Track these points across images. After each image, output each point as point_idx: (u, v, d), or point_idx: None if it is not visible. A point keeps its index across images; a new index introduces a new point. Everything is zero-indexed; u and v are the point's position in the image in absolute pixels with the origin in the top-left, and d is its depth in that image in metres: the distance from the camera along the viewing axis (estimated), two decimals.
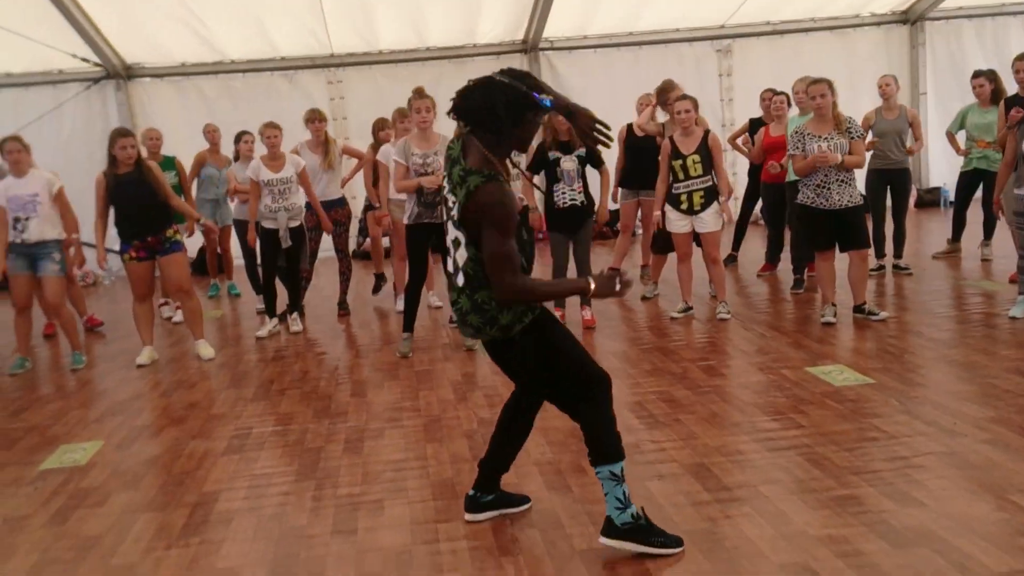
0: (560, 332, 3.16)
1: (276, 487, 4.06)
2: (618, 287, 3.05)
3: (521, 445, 3.53)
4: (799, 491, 3.59)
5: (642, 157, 7.67)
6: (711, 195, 6.47)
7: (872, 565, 2.95)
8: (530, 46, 11.33)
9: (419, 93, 6.11)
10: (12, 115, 10.65)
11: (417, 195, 6.07)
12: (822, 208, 6.09)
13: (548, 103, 2.97)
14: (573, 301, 6.89)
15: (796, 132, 6.17)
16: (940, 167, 11.82)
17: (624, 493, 3.13)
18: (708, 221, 6.49)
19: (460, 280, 3.11)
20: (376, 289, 8.47)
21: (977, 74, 7.78)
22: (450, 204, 3.08)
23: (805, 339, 5.93)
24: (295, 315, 7.41)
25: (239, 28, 10.40)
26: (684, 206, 6.47)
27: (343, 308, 7.86)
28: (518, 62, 11.45)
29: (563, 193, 6.40)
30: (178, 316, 8.05)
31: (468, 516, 3.51)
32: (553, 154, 6.40)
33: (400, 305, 7.64)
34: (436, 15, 10.57)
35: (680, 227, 6.55)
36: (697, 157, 6.37)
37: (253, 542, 3.51)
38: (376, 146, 7.95)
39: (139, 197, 6.35)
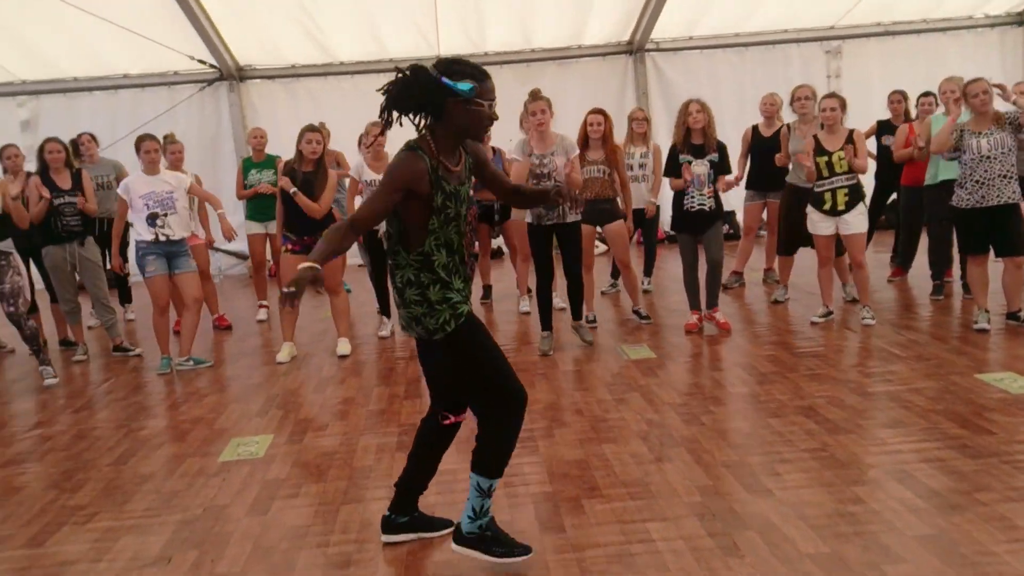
0: (484, 342, 3.11)
1: (461, 483, 4.09)
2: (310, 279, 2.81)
3: (439, 460, 3.49)
4: (1018, 498, 3.51)
5: (768, 158, 7.61)
6: (856, 195, 6.37)
7: None
8: (636, 47, 11.29)
9: (534, 95, 6.19)
10: (129, 116, 10.96)
11: None
12: (978, 207, 5.95)
13: (464, 88, 2.88)
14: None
15: (956, 128, 6.04)
16: None
17: (483, 507, 3.15)
18: (852, 223, 6.39)
19: (391, 272, 3.17)
20: (485, 297, 8.45)
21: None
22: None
23: (964, 345, 5.81)
24: (385, 319, 7.39)
25: (351, 29, 10.56)
26: (827, 206, 6.38)
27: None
28: (623, 64, 11.45)
29: (692, 197, 6.35)
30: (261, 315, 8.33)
31: (384, 537, 3.47)
32: (684, 157, 6.36)
33: (524, 306, 7.68)
34: (545, 15, 10.60)
35: (823, 229, 6.46)
36: (843, 154, 6.27)
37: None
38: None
39: (311, 196, 6.52)
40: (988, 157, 5.89)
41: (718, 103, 10.63)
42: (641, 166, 7.59)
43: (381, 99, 3.03)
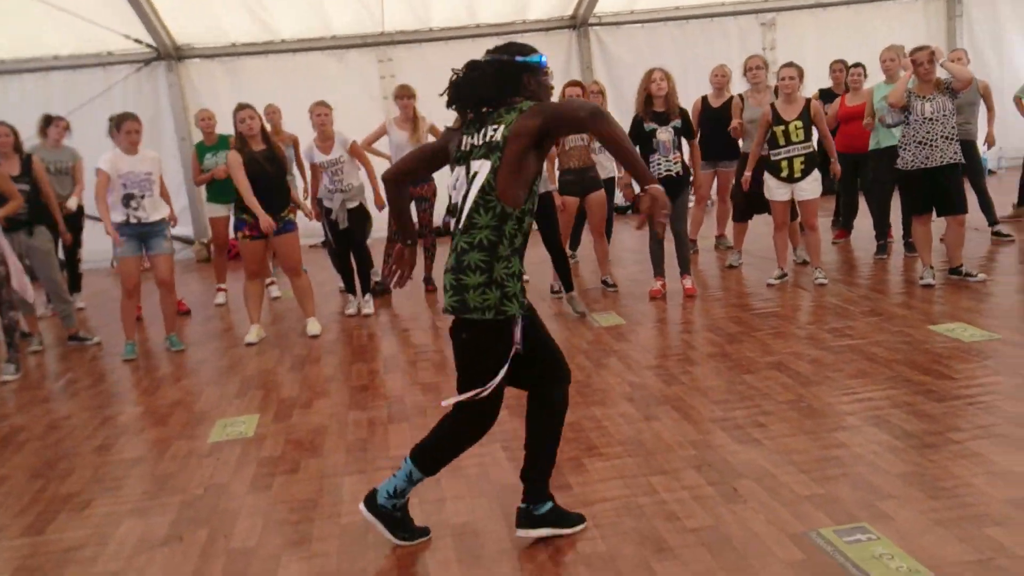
0: (505, 350, 3.06)
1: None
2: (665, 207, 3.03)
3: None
4: (986, 435, 3.78)
5: (717, 129, 7.83)
6: (811, 162, 6.64)
7: None
8: (579, 22, 11.40)
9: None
10: (62, 99, 10.59)
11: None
12: (923, 168, 6.25)
13: (538, 59, 3.07)
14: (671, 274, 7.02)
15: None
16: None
17: (404, 492, 3.23)
18: (807, 189, 6.66)
19: (462, 223, 3.04)
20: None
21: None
22: (479, 143, 3.02)
23: (913, 300, 6.13)
24: (367, 297, 7.39)
25: (294, 5, 10.42)
26: (784, 173, 6.63)
27: (429, 283, 7.97)
28: (566, 38, 11.55)
29: (659, 164, 6.53)
30: (274, 292, 8.23)
31: (520, 532, 3.28)
32: (649, 125, 6.53)
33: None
34: None
35: (780, 195, 6.72)
36: (799, 123, 6.52)
37: (476, 497, 3.66)
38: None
39: (270, 175, 6.47)
40: (931, 119, 6.20)
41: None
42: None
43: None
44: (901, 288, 6.54)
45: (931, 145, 6.22)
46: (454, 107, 3.11)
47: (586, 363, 5.39)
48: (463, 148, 3.08)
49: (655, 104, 6.52)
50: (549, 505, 3.26)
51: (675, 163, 6.57)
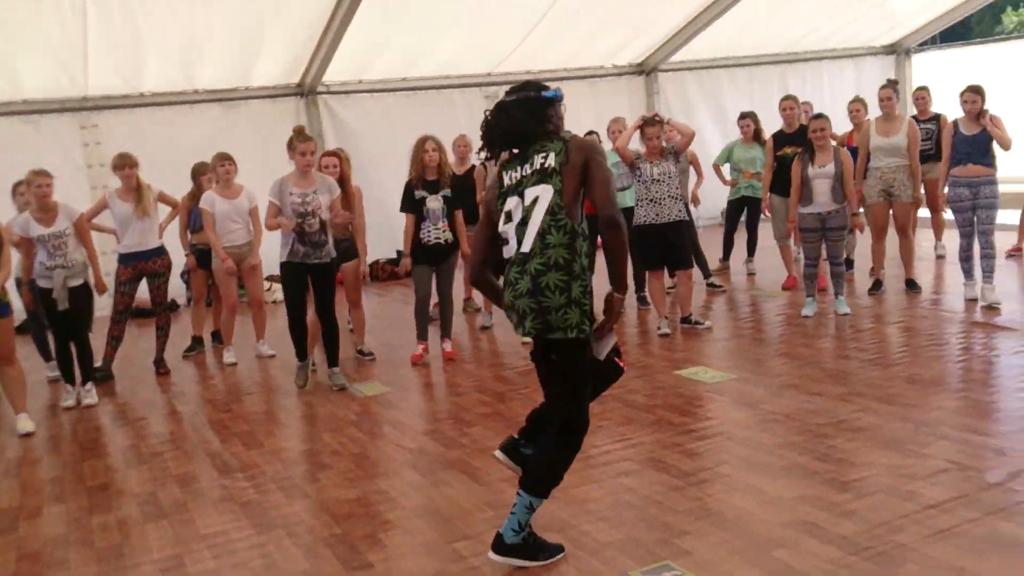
0: (586, 364, 3.28)
1: (243, 542, 3.85)
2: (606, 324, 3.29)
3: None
4: (762, 463, 4.09)
5: (462, 196, 7.96)
6: None
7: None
8: (307, 90, 11.26)
9: (303, 135, 6.18)
10: None
11: (299, 236, 6.00)
12: (654, 224, 6.79)
13: (556, 93, 3.37)
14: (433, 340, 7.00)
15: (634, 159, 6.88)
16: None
17: (526, 522, 3.32)
18: None
19: (528, 246, 3.15)
20: (189, 350, 7.89)
21: (743, 115, 9.00)
22: (529, 172, 3.21)
23: (655, 349, 6.57)
24: (88, 386, 6.58)
25: None
26: None
27: (161, 365, 7.31)
28: (294, 106, 11.33)
29: (428, 231, 6.55)
30: None
31: (496, 453, 3.58)
32: (419, 193, 6.55)
33: (229, 357, 7.33)
34: (209, 55, 10.20)
35: None
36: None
37: None
38: (196, 192, 7.58)
39: None
40: (658, 180, 6.77)
41: (392, 144, 11.09)
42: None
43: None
44: (641, 339, 6.99)
45: (659, 203, 6.78)
46: (489, 148, 3.37)
47: (359, 435, 5.18)
48: (511, 181, 3.27)
49: (427, 173, 6.56)
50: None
51: (444, 231, 6.62)
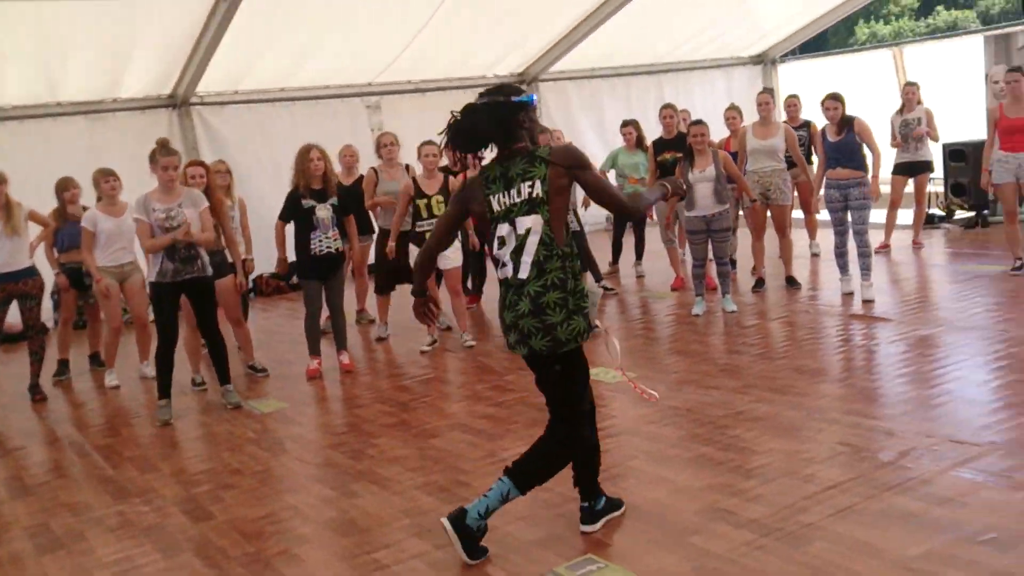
0: (586, 363, 3.49)
1: (150, 567, 3.68)
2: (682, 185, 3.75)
3: (596, 458, 3.65)
4: (669, 456, 4.20)
5: (351, 205, 7.89)
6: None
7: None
8: (179, 101, 10.88)
9: (167, 148, 5.92)
10: None
11: (168, 252, 5.75)
12: None
13: (530, 99, 3.39)
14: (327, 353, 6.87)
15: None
16: None
17: (492, 511, 3.39)
18: (452, 258, 6.97)
19: (525, 273, 3.29)
20: (58, 374, 7.47)
21: (626, 123, 9.24)
22: (515, 201, 3.31)
23: None
24: None
25: None
26: None
27: (36, 392, 6.89)
28: (166, 118, 10.92)
29: (320, 241, 6.44)
30: None
31: (584, 528, 3.57)
32: (307, 202, 6.42)
33: (112, 380, 6.99)
34: (74, 66, 9.73)
35: None
36: (440, 197, 6.83)
37: None
38: (61, 210, 7.22)
39: None
40: None
41: (272, 156, 10.90)
42: (232, 219, 7.38)
43: None
44: None
45: None
46: (452, 148, 3.38)
47: (260, 452, 5.04)
48: (500, 207, 3.32)
49: (313, 181, 6.43)
50: (604, 499, 3.61)
51: (335, 240, 6.51)
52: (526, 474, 3.42)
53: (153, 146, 6.02)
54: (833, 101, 7.11)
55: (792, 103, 8.87)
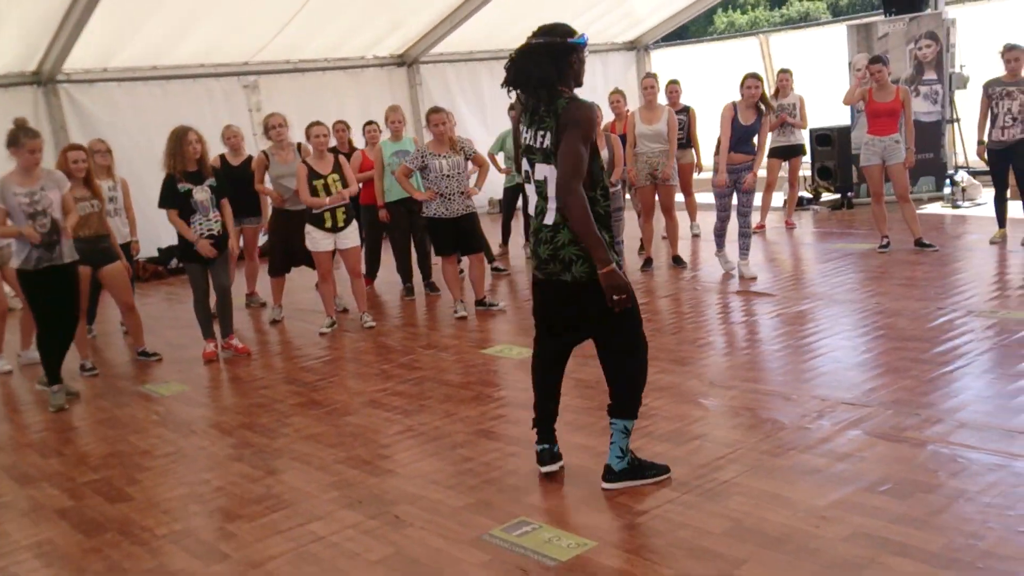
0: (632, 291, 3.53)
1: (74, 547, 3.57)
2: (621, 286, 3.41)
3: (559, 394, 3.90)
4: (584, 427, 4.38)
5: (239, 186, 7.69)
6: (351, 212, 6.93)
7: None
8: (45, 78, 10.29)
9: (31, 130, 5.58)
10: None
11: None
12: (445, 217, 6.95)
13: (582, 39, 3.48)
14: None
15: (418, 151, 6.97)
16: None
17: (627, 446, 3.63)
18: (350, 237, 6.93)
19: (551, 219, 3.47)
20: None
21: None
22: (536, 145, 3.47)
23: (456, 331, 6.73)
24: None
25: None
26: (328, 224, 6.79)
27: None
28: (31, 96, 10.31)
29: (200, 224, 6.28)
30: None
31: (544, 468, 3.81)
32: (184, 186, 6.25)
33: (3, 366, 6.64)
34: None
35: (324, 245, 6.85)
36: (336, 176, 6.78)
37: None
38: None
39: None
40: (448, 175, 6.88)
41: (147, 136, 10.48)
42: (111, 199, 7.09)
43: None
44: (441, 322, 7.13)
45: (450, 199, 6.91)
46: (513, 88, 3.50)
47: (169, 434, 4.93)
48: (526, 141, 3.53)
49: (188, 163, 6.25)
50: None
51: (215, 222, 6.36)
52: (627, 402, 3.60)
53: (11, 127, 5.69)
54: (754, 80, 7.06)
55: (673, 89, 9.23)
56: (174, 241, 6.80)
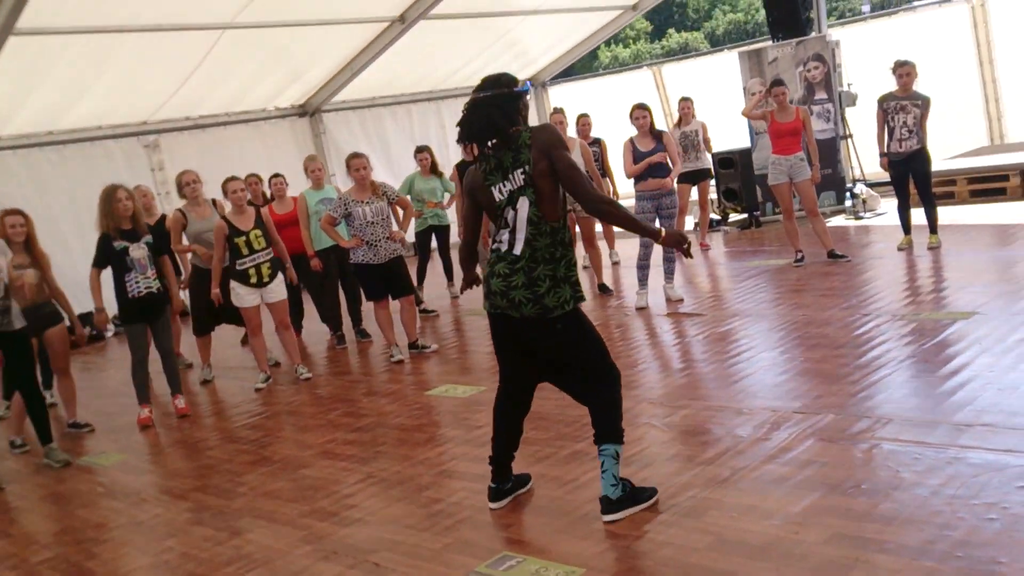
0: (590, 323, 3.69)
1: None
2: (685, 243, 3.67)
3: (521, 432, 3.95)
4: (548, 458, 4.41)
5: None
6: (276, 265, 6.83)
7: None
8: None
9: None
10: None
11: None
12: (373, 263, 6.93)
13: (527, 87, 3.69)
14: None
15: (340, 199, 6.94)
16: None
17: (618, 472, 3.65)
18: (277, 291, 6.82)
19: (519, 249, 3.55)
20: None
21: (420, 149, 9.33)
22: (516, 187, 3.54)
23: (396, 375, 6.69)
24: None
25: None
26: (254, 280, 6.68)
27: None
28: None
29: (137, 282, 6.11)
30: None
31: (493, 505, 3.91)
32: (119, 244, 6.09)
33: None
34: None
35: (250, 301, 6.72)
36: (258, 231, 6.68)
37: None
38: None
39: None
40: (372, 222, 6.88)
41: (45, 203, 10.13)
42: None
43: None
44: (377, 368, 7.07)
45: (376, 245, 6.90)
46: (467, 143, 3.65)
47: (119, 505, 4.76)
48: (502, 196, 3.58)
49: (122, 221, 6.11)
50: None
51: (153, 279, 6.22)
52: (609, 426, 3.64)
53: None
54: (641, 111, 7.37)
55: (584, 121, 9.48)
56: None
